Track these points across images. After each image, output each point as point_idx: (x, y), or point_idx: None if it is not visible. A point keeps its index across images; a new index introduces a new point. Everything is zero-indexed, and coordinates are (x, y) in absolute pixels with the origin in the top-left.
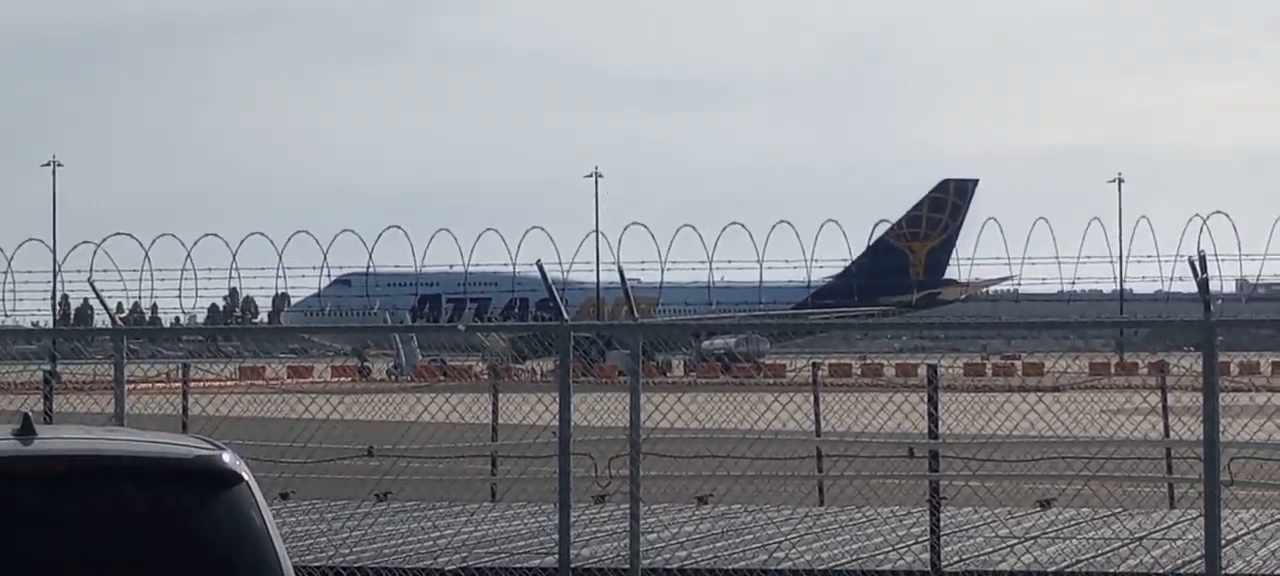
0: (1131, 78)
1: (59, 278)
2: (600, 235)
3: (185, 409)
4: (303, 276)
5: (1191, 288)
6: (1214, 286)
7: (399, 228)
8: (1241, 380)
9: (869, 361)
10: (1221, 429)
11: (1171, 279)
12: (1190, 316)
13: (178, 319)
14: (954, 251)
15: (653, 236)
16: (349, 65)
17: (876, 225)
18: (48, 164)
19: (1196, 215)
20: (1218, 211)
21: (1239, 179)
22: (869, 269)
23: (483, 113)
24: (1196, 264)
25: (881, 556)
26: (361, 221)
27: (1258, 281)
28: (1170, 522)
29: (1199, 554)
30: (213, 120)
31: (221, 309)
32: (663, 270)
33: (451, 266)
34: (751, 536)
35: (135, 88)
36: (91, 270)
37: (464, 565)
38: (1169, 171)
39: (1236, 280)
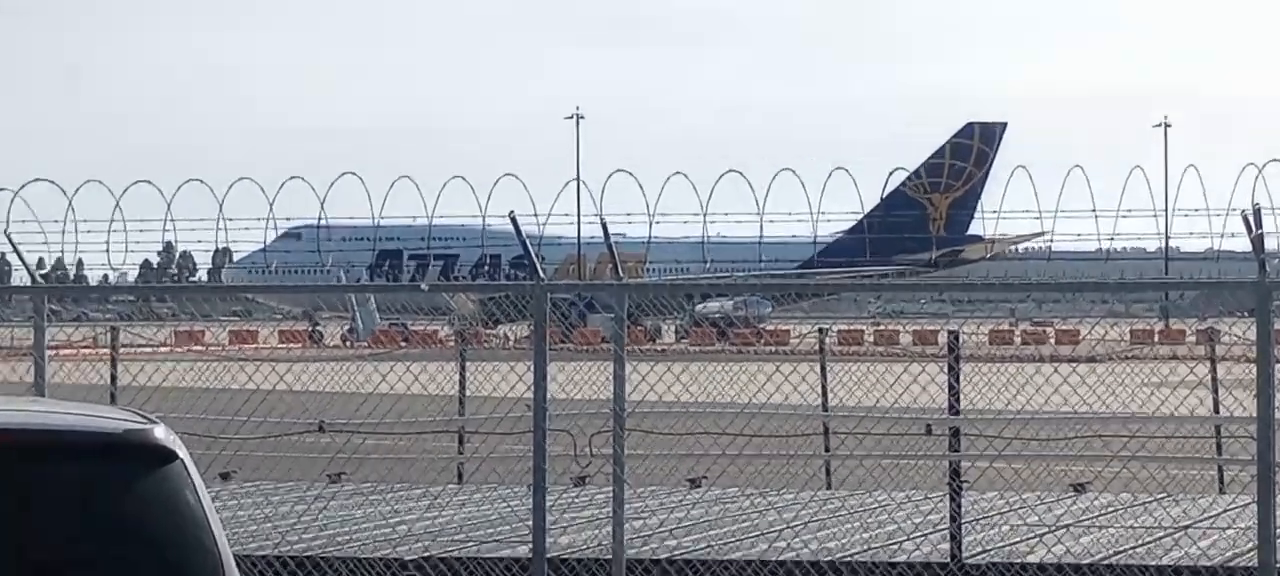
0: (1179, 11)
1: None
2: (582, 184)
3: (114, 377)
4: (246, 229)
5: (1245, 245)
6: (1270, 243)
7: (355, 175)
8: None
9: (883, 327)
10: (1277, 404)
11: (1223, 235)
12: (1243, 277)
13: (106, 276)
14: (979, 204)
15: (640, 186)
16: None
17: (891, 174)
18: None
19: (1251, 164)
20: (1275, 160)
21: None
22: (883, 223)
23: (450, 49)
24: (1250, 218)
25: (896, 546)
26: (313, 168)
27: None
28: (1219, 509)
29: (1251, 544)
30: (145, 55)
31: (155, 265)
32: (651, 223)
33: (414, 219)
34: (749, 523)
35: (59, 18)
36: (8, 221)
37: (427, 554)
38: (1220, 116)
39: None
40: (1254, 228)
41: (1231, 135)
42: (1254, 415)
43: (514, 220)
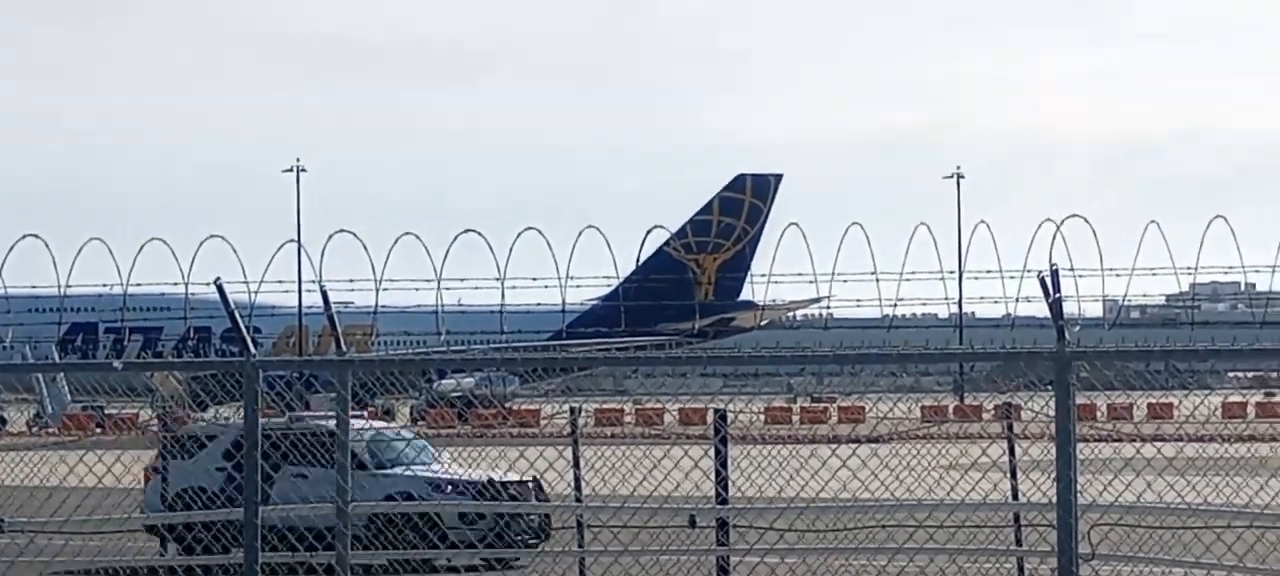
0: (965, 49)
1: None
2: (301, 248)
3: None
4: None
5: (1044, 310)
6: (1071, 308)
7: (37, 237)
8: (1106, 426)
9: (644, 406)
10: (1079, 488)
11: (1019, 299)
12: (1042, 346)
13: None
14: (750, 266)
15: (365, 248)
16: None
17: (649, 232)
18: None
19: (1048, 220)
20: (1074, 215)
21: (1099, 174)
22: (642, 289)
23: (146, 86)
24: (1048, 281)
25: None
26: None
27: (1124, 301)
28: None
29: None
30: None
31: None
32: (378, 290)
33: (109, 287)
34: None
35: None
36: None
37: None
38: (1014, 165)
39: (1102, 299)
40: (1052, 291)
41: (1027, 187)
42: (1054, 501)
43: (220, 288)
